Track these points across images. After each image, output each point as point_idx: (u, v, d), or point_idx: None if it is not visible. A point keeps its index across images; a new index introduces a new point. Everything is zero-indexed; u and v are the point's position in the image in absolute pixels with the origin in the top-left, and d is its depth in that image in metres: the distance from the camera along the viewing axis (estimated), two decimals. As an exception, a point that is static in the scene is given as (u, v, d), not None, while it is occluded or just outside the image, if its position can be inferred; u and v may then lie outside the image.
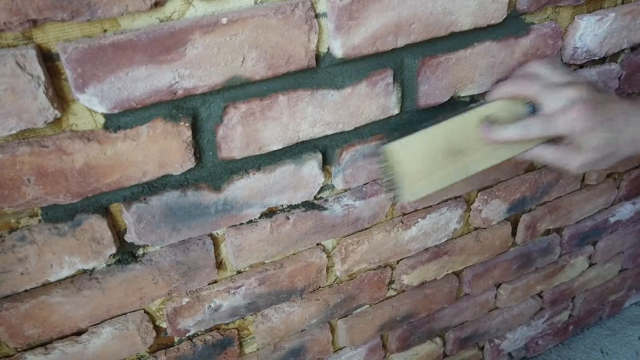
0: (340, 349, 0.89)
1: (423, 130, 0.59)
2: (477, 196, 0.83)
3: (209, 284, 0.67)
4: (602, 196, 1.01)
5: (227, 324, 0.73)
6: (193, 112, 0.53)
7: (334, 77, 0.58)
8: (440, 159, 0.60)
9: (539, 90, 0.59)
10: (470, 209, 0.84)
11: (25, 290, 0.55)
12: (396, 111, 0.64)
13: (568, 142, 0.58)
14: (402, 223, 0.77)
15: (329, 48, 0.56)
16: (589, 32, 0.72)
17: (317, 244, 0.73)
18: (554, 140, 0.60)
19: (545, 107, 0.58)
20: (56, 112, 0.45)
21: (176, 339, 0.70)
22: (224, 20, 0.48)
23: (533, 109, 0.60)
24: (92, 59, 0.44)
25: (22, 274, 0.53)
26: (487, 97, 0.63)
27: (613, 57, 0.81)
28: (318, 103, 0.58)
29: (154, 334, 0.66)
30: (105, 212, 0.55)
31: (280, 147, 0.59)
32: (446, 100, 0.67)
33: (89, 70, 0.45)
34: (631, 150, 0.58)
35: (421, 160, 0.59)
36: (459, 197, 0.81)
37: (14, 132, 0.45)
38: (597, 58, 0.76)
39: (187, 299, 0.66)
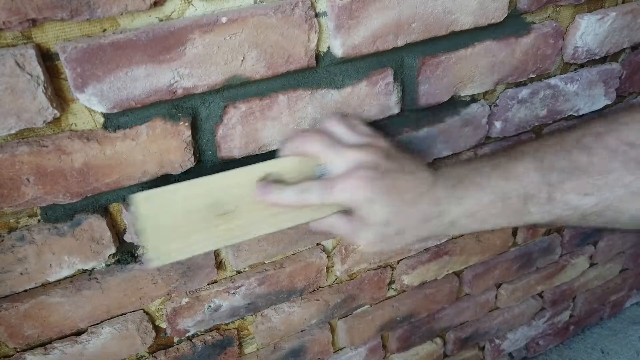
0: (340, 349, 0.89)
1: (184, 182, 0.49)
2: (477, 196, 0.83)
3: (208, 284, 0.67)
4: (603, 196, 1.01)
5: (226, 324, 0.73)
6: (193, 111, 0.53)
7: (334, 77, 0.58)
8: (205, 218, 0.49)
9: (322, 149, 0.50)
10: (471, 209, 0.84)
11: (25, 290, 0.55)
12: (396, 110, 0.64)
13: (355, 213, 0.50)
14: (403, 223, 0.77)
15: (329, 47, 0.56)
16: (589, 32, 0.72)
17: (317, 244, 0.73)
18: (349, 210, 0.51)
19: (331, 168, 0.50)
20: (55, 111, 0.45)
21: (176, 339, 0.70)
22: (224, 20, 0.48)
23: (325, 170, 0.51)
24: (91, 59, 0.44)
25: (21, 274, 0.53)
26: (278, 153, 0.55)
27: (614, 57, 0.81)
28: (318, 103, 0.58)
29: (154, 334, 0.66)
30: (105, 212, 0.55)
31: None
32: (446, 99, 0.67)
33: (88, 70, 0.45)
34: (426, 231, 0.49)
35: (176, 217, 0.48)
36: (460, 197, 0.81)
37: (13, 131, 0.45)
38: (597, 57, 0.76)
39: (186, 299, 0.66)
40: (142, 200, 0.47)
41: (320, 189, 0.49)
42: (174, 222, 0.49)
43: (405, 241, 0.50)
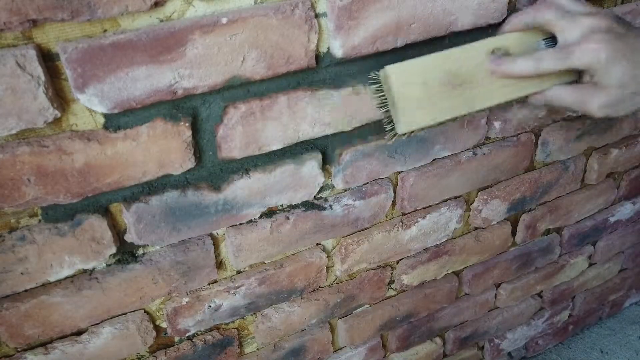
0: (340, 348, 0.89)
1: (426, 56, 0.54)
2: (477, 196, 0.83)
3: (209, 284, 0.67)
4: (602, 196, 1.01)
5: (227, 324, 0.73)
6: (193, 112, 0.53)
7: (334, 77, 0.58)
8: (443, 89, 0.54)
9: (554, 17, 0.52)
10: (470, 209, 0.84)
11: (25, 290, 0.55)
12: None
13: (588, 79, 0.52)
14: (402, 223, 0.77)
15: (328, 48, 0.56)
16: (588, 32, 0.72)
17: (317, 244, 0.73)
18: (573, 81, 0.54)
19: (562, 38, 0.52)
20: (56, 112, 0.45)
21: (176, 339, 0.70)
22: (224, 20, 0.48)
23: (549, 44, 0.55)
24: (92, 59, 0.44)
25: (22, 273, 0.53)
26: (499, 30, 0.57)
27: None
28: (318, 103, 0.58)
29: (154, 333, 0.66)
30: (105, 212, 0.55)
31: (280, 147, 0.59)
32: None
33: (89, 70, 0.45)
34: None
35: (421, 87, 0.53)
36: (459, 197, 0.81)
37: (14, 132, 0.45)
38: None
39: (187, 299, 0.66)
40: (396, 71, 0.52)
41: (557, 54, 0.51)
42: (419, 92, 0.53)
43: (636, 105, 0.52)
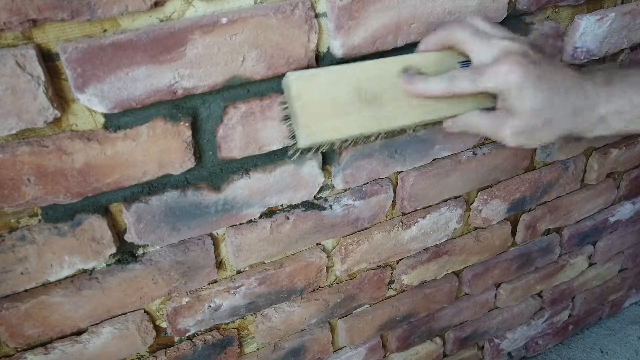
0: (340, 348, 0.89)
1: (334, 66, 0.51)
2: (476, 196, 0.83)
3: (209, 284, 0.67)
4: (602, 196, 1.01)
5: (227, 324, 0.73)
6: (193, 111, 0.53)
7: (333, 77, 0.58)
8: (351, 103, 0.51)
9: (468, 37, 0.50)
10: (470, 209, 0.84)
11: (25, 290, 0.55)
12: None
13: (501, 104, 0.50)
14: (402, 223, 0.77)
15: (328, 48, 0.56)
16: (588, 32, 0.72)
17: (317, 244, 0.73)
18: (488, 108, 0.52)
19: (476, 59, 0.50)
20: (56, 112, 0.45)
21: (176, 339, 0.70)
22: (224, 20, 0.48)
23: (466, 66, 0.52)
24: (92, 59, 0.44)
25: (22, 273, 0.53)
26: (416, 49, 0.56)
27: (613, 57, 0.81)
28: (318, 103, 0.58)
29: (154, 333, 0.66)
30: (105, 212, 0.55)
31: (280, 147, 0.59)
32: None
33: (89, 70, 0.45)
34: (573, 125, 0.49)
35: (326, 99, 0.50)
36: (459, 197, 0.81)
37: (14, 132, 0.45)
38: (597, 58, 0.76)
39: (187, 299, 0.66)
40: (298, 79, 0.49)
41: (470, 76, 0.49)
42: (323, 104, 0.50)
43: (550, 135, 0.49)
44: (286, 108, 0.51)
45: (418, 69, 0.52)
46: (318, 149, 0.53)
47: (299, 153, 0.55)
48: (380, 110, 0.52)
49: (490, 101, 0.52)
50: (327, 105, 0.50)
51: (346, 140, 0.53)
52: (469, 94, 0.51)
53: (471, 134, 0.54)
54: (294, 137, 0.52)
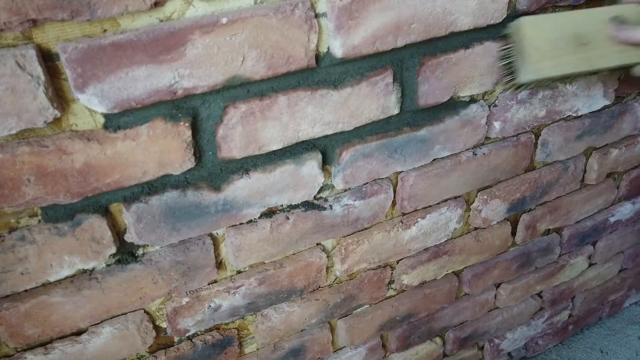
0: (340, 348, 0.89)
1: (556, 14, 0.61)
2: (476, 196, 0.83)
3: (208, 284, 0.67)
4: (602, 196, 1.01)
5: (227, 324, 0.73)
6: (193, 112, 0.53)
7: (333, 77, 0.58)
8: (568, 45, 0.61)
9: None
10: (470, 209, 0.84)
11: (25, 290, 0.55)
12: (396, 111, 0.64)
13: None
14: (402, 223, 0.77)
15: (328, 48, 0.56)
16: (588, 32, 0.72)
17: (317, 244, 0.73)
18: None
19: None
20: (56, 112, 0.45)
21: (176, 339, 0.70)
22: (224, 20, 0.48)
23: None
24: (92, 59, 0.44)
25: (22, 273, 0.53)
26: (619, 1, 0.64)
27: (613, 57, 0.81)
28: (318, 103, 0.58)
29: (154, 333, 0.66)
30: (105, 212, 0.55)
31: (280, 147, 0.59)
32: (446, 100, 0.67)
33: (89, 70, 0.45)
34: None
35: (549, 40, 0.60)
36: (459, 197, 0.81)
37: (14, 132, 0.45)
38: (596, 58, 0.76)
39: (187, 299, 0.66)
40: (528, 23, 0.60)
41: None
42: (547, 45, 0.61)
43: None
44: (506, 49, 0.62)
45: (624, 18, 0.62)
46: (530, 85, 0.64)
47: (515, 87, 0.65)
48: (590, 53, 0.62)
49: None
50: (550, 46, 0.60)
51: (562, 76, 0.64)
52: None
53: None
54: (509, 74, 0.62)
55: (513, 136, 0.80)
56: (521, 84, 0.63)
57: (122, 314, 0.63)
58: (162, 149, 0.53)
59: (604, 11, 0.62)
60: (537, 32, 0.60)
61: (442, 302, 0.94)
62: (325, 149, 0.64)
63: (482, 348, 1.14)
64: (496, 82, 0.69)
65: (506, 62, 0.63)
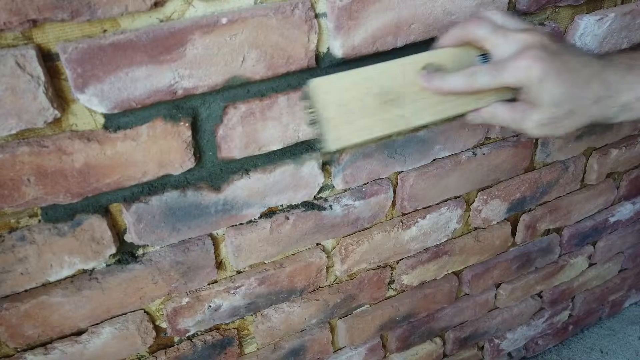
0: (340, 348, 0.89)
1: (354, 70, 0.52)
2: (476, 196, 0.83)
3: (208, 284, 0.67)
4: (602, 196, 1.01)
5: (227, 324, 0.73)
6: (193, 112, 0.53)
7: (333, 77, 0.58)
8: (373, 104, 0.52)
9: (487, 32, 0.51)
10: (470, 209, 0.84)
11: (25, 290, 0.55)
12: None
13: (523, 97, 0.51)
14: (402, 223, 0.77)
15: (328, 48, 0.56)
16: (588, 32, 0.72)
17: (317, 244, 0.73)
18: (510, 100, 0.53)
19: (495, 54, 0.51)
20: (56, 112, 0.45)
21: (176, 339, 0.70)
22: (224, 20, 0.48)
23: (485, 60, 0.53)
24: (92, 59, 0.44)
25: (22, 273, 0.53)
26: (433, 45, 0.56)
27: (613, 57, 0.81)
28: (318, 103, 0.58)
29: (154, 334, 0.66)
30: (105, 212, 0.55)
31: (280, 147, 0.59)
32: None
33: (89, 70, 0.45)
34: (596, 113, 0.49)
35: (350, 102, 0.51)
36: (459, 197, 0.81)
37: (13, 132, 0.45)
38: (596, 58, 0.76)
39: (187, 299, 0.66)
40: (322, 84, 0.51)
41: (489, 71, 0.49)
42: (348, 107, 0.51)
43: (573, 124, 0.50)
44: (312, 112, 0.52)
45: (437, 66, 0.53)
46: (344, 150, 0.54)
47: (327, 155, 0.56)
48: (403, 110, 0.53)
49: (511, 93, 0.53)
50: (351, 108, 0.51)
51: (373, 140, 0.54)
52: (490, 89, 0.51)
53: (494, 125, 0.56)
54: (322, 139, 0.53)
55: (513, 136, 0.80)
56: (333, 151, 0.54)
57: (122, 314, 0.63)
58: (162, 149, 0.53)
59: (415, 59, 0.53)
60: (333, 94, 0.51)
61: (442, 302, 0.94)
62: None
63: (482, 348, 1.14)
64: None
65: (314, 126, 0.53)
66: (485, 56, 0.53)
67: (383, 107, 0.52)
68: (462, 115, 0.56)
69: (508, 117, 0.52)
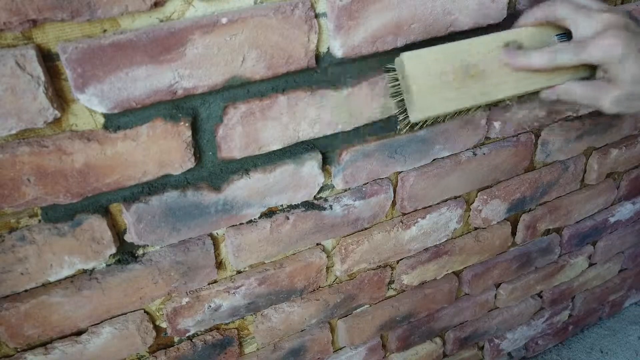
0: (340, 348, 0.89)
1: (442, 45, 0.55)
2: (477, 196, 0.83)
3: (208, 284, 0.67)
4: (602, 196, 1.01)
5: (227, 324, 0.73)
6: (193, 112, 0.53)
7: (333, 77, 0.58)
8: (458, 78, 0.55)
9: (570, 12, 0.53)
10: (470, 209, 0.84)
11: (25, 290, 0.55)
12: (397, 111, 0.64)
13: (602, 74, 0.53)
14: (402, 223, 0.77)
15: (328, 48, 0.56)
16: (588, 32, 0.72)
17: (317, 244, 0.73)
18: (585, 78, 0.56)
19: (577, 33, 0.53)
20: (56, 112, 0.45)
21: (176, 339, 0.70)
22: (224, 20, 0.48)
23: (563, 39, 0.56)
24: (92, 59, 0.44)
25: (22, 273, 0.53)
26: (514, 24, 0.58)
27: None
28: (318, 103, 0.58)
29: (154, 333, 0.66)
30: (105, 212, 0.55)
31: (280, 147, 0.59)
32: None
33: (89, 70, 0.45)
34: None
35: (436, 75, 0.54)
36: (459, 197, 0.81)
37: (14, 132, 0.45)
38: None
39: (187, 299, 0.66)
40: (411, 58, 0.54)
41: (572, 49, 0.52)
42: (434, 80, 0.54)
43: None
44: (395, 86, 0.56)
45: (518, 44, 0.56)
46: (425, 122, 0.58)
47: (408, 127, 0.59)
48: (485, 84, 0.56)
49: (587, 71, 0.55)
50: (437, 81, 0.54)
51: (454, 112, 0.57)
52: (570, 66, 0.54)
53: (569, 103, 0.60)
54: (403, 112, 0.56)
55: (513, 136, 0.80)
56: (415, 123, 0.57)
57: (122, 314, 0.63)
58: (162, 149, 0.53)
59: (497, 37, 0.56)
60: (421, 67, 0.54)
61: (442, 302, 0.94)
62: (325, 149, 0.64)
63: (482, 348, 1.14)
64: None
65: (397, 99, 0.56)
66: (562, 35, 0.56)
67: (467, 80, 0.55)
68: (537, 92, 0.58)
69: (585, 94, 0.54)
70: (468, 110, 0.58)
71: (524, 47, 0.56)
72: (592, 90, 0.54)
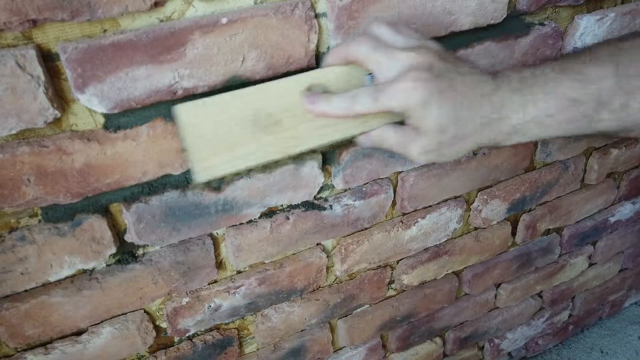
0: (340, 348, 0.89)
1: (229, 93, 0.46)
2: (477, 196, 0.83)
3: (209, 284, 0.67)
4: (602, 196, 1.01)
5: (227, 324, 0.73)
6: (193, 112, 0.53)
7: (333, 77, 0.58)
8: (250, 130, 0.47)
9: (369, 51, 0.46)
10: (470, 209, 0.84)
11: (25, 290, 0.55)
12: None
13: (408, 122, 0.46)
14: (402, 223, 0.77)
15: (328, 48, 0.56)
16: (588, 32, 0.72)
17: (317, 244, 0.73)
18: (401, 122, 0.48)
19: (380, 75, 0.46)
20: (56, 112, 0.45)
21: (176, 339, 0.70)
22: (224, 20, 0.48)
23: (375, 79, 0.48)
24: (92, 59, 0.44)
25: (22, 273, 0.53)
26: (322, 63, 0.51)
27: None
28: (318, 103, 0.58)
29: (154, 333, 0.66)
30: (105, 212, 0.55)
31: (280, 147, 0.59)
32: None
33: (89, 70, 0.45)
34: (486, 137, 0.45)
35: (222, 129, 0.46)
36: (459, 197, 0.81)
37: (14, 132, 0.45)
38: (597, 58, 0.76)
39: (187, 299, 0.66)
40: (188, 110, 0.45)
41: (370, 94, 0.45)
42: (219, 134, 0.46)
43: (460, 149, 0.46)
44: (180, 134, 0.47)
45: (324, 86, 0.48)
46: (222, 179, 0.50)
47: (197, 186, 0.52)
48: (284, 135, 0.48)
49: (401, 115, 0.48)
50: (221, 136, 0.46)
51: (249, 170, 0.49)
52: (372, 113, 0.46)
53: (385, 150, 0.51)
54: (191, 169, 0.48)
55: (513, 136, 0.80)
56: (204, 182, 0.48)
57: (122, 314, 0.63)
58: (162, 149, 0.53)
59: (298, 80, 0.48)
60: (201, 121, 0.45)
61: (442, 302, 0.94)
62: (325, 149, 0.64)
63: (482, 348, 1.14)
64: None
65: (183, 150, 0.48)
66: (374, 74, 0.48)
67: (262, 132, 0.47)
68: (352, 139, 0.51)
69: (395, 142, 0.47)
70: (266, 164, 0.50)
71: (330, 91, 0.48)
72: (401, 138, 0.47)
